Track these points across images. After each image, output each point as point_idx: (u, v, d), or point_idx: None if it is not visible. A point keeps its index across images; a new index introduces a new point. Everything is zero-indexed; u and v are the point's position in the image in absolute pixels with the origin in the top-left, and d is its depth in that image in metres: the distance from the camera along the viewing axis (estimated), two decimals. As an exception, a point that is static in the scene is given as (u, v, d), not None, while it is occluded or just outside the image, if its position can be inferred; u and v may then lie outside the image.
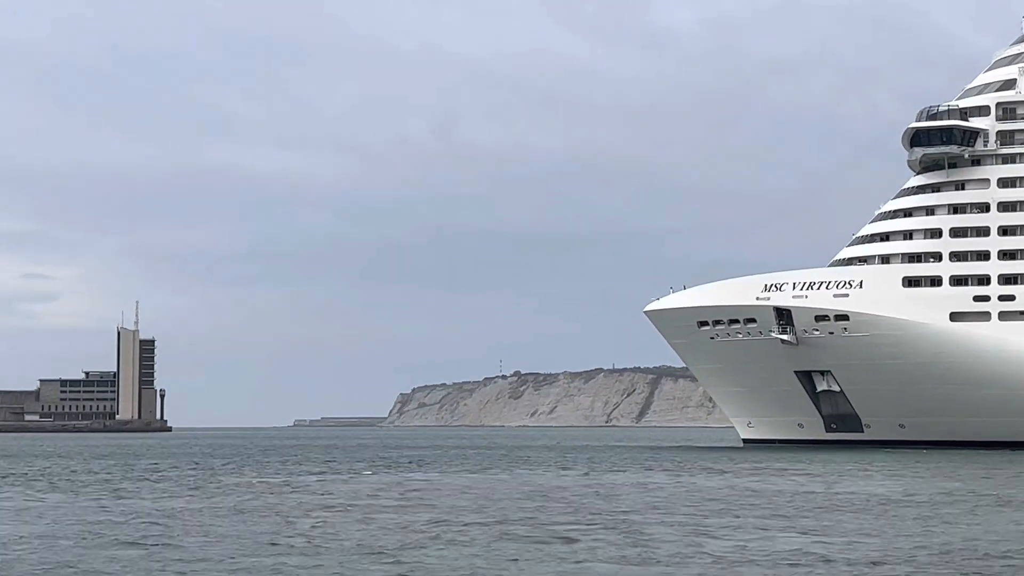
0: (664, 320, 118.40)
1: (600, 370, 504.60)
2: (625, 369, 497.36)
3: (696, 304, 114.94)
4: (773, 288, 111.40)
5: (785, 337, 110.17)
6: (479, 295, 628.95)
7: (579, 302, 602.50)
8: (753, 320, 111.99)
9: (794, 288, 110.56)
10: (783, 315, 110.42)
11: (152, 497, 54.11)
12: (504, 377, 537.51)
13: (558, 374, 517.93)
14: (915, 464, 79.59)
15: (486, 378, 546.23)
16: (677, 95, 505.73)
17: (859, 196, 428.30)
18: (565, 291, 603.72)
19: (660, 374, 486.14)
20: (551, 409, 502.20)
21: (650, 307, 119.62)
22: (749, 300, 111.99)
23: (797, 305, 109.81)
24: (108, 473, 77.52)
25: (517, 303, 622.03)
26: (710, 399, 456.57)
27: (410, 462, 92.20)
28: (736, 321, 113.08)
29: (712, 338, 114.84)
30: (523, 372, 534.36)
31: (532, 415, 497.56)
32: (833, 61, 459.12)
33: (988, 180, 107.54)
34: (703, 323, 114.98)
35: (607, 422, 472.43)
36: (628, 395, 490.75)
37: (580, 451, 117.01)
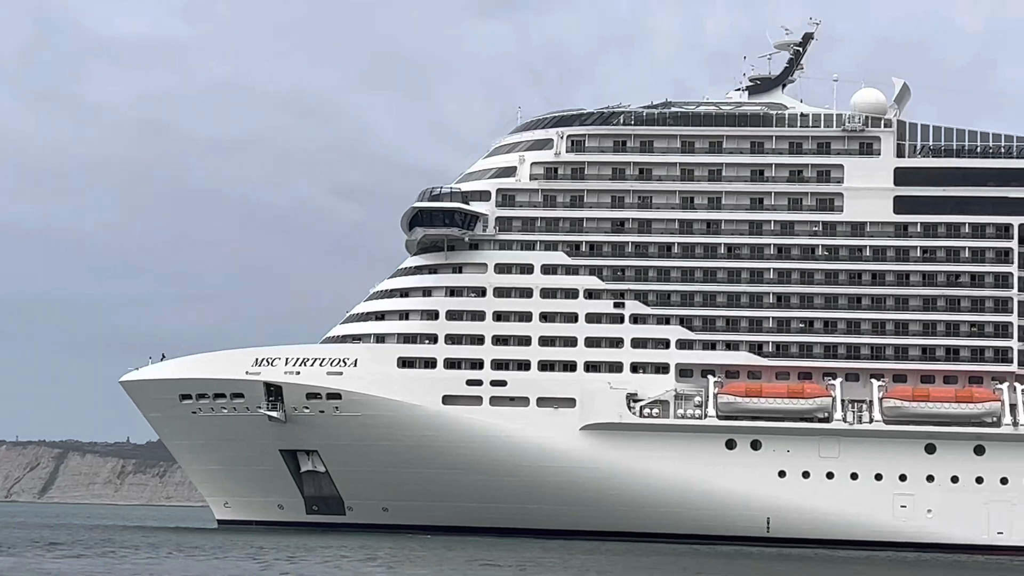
0: (142, 392, 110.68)
1: (3, 442, 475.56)
2: (30, 442, 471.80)
3: (181, 376, 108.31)
4: (264, 363, 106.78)
5: (273, 414, 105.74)
6: None
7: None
8: (241, 395, 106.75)
9: (286, 364, 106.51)
10: (273, 391, 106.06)
11: None
12: None
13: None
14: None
15: None
16: (105, 166, 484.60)
17: (302, 275, 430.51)
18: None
19: (67, 448, 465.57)
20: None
21: (127, 377, 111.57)
22: (238, 374, 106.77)
23: (288, 381, 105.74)
24: None
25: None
26: (118, 476, 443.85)
27: None
28: (222, 395, 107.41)
29: (194, 412, 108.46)
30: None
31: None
32: (264, 147, 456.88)
33: (485, 265, 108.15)
34: (186, 396, 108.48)
35: (7, 497, 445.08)
36: (31, 469, 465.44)
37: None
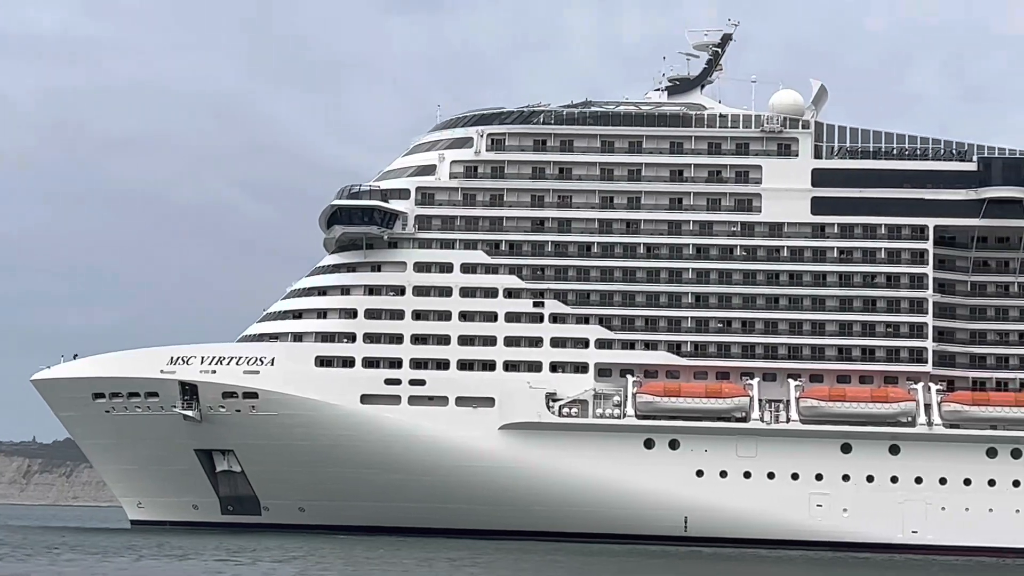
0: (54, 390, 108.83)
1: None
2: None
3: (94, 375, 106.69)
4: (180, 361, 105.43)
5: (189, 413, 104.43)
6: None
7: None
8: (155, 394, 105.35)
9: (202, 363, 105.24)
10: (188, 390, 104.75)
11: None
12: None
13: None
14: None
15: None
16: (9, 162, 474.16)
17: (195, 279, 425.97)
18: None
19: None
20: None
21: (39, 376, 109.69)
22: (153, 373, 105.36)
23: (204, 380, 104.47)
24: None
25: None
26: (24, 475, 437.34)
27: None
28: (137, 395, 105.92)
29: (108, 411, 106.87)
30: None
31: None
32: (175, 145, 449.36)
33: (405, 263, 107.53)
34: (99, 395, 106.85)
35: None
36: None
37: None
